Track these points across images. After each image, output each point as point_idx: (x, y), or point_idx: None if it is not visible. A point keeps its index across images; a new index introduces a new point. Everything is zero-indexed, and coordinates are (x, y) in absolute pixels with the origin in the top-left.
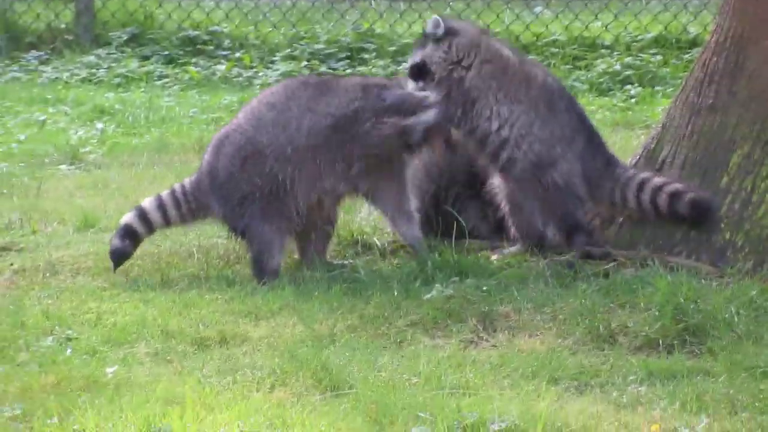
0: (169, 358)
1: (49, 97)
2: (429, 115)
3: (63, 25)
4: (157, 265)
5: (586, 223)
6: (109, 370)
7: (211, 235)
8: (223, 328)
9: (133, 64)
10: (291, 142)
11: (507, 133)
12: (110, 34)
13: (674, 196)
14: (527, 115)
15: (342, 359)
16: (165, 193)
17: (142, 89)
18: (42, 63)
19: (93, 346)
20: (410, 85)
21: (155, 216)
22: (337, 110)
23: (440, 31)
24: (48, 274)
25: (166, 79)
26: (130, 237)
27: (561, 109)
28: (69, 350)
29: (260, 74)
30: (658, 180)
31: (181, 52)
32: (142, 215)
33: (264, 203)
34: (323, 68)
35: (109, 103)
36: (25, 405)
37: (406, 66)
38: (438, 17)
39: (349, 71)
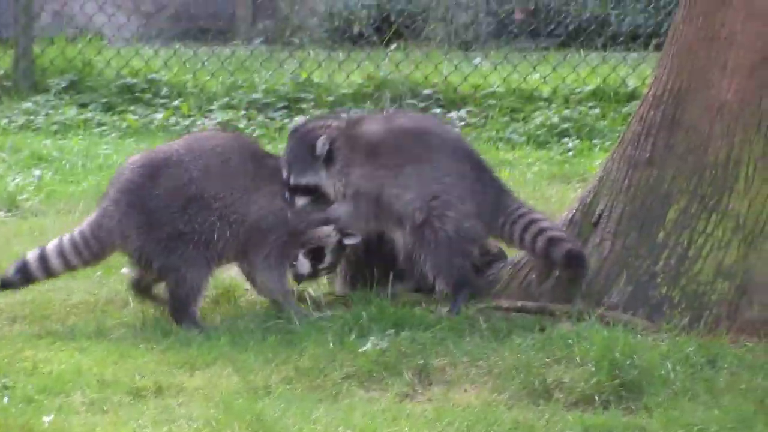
0: (105, 407)
1: None
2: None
3: (1, 71)
4: (92, 313)
5: (473, 276)
6: (45, 419)
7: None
8: (159, 379)
9: (72, 111)
10: (234, 204)
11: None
12: (48, 81)
13: (552, 241)
14: (411, 174)
15: (277, 411)
16: (66, 239)
17: (80, 136)
18: None
19: (29, 395)
20: (300, 202)
21: (55, 262)
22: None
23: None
24: None
25: (104, 127)
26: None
27: (446, 152)
28: (5, 398)
29: (198, 122)
30: (544, 224)
31: (119, 100)
32: (43, 258)
33: (200, 249)
34: (260, 117)
35: (46, 150)
36: None
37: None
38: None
39: (286, 121)
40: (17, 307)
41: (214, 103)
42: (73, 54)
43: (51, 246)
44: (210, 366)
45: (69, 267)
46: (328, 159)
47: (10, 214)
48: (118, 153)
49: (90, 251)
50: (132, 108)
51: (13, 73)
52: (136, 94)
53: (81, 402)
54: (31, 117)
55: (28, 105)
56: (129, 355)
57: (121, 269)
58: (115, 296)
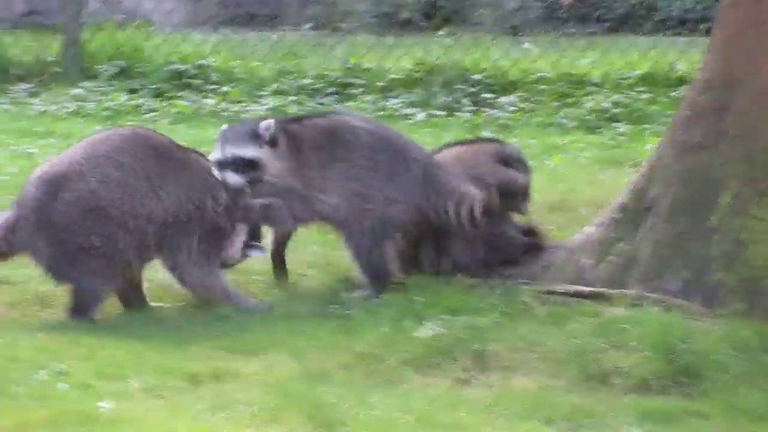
0: (162, 393)
1: (39, 129)
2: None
3: (50, 58)
4: (150, 299)
5: (390, 266)
6: (102, 404)
7: None
8: (216, 364)
9: (122, 97)
10: (134, 208)
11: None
12: (97, 67)
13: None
14: (332, 174)
15: (334, 397)
16: None
17: (131, 122)
18: (31, 95)
19: (87, 381)
20: (231, 178)
21: None
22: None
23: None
24: (40, 308)
25: (155, 113)
26: None
27: (360, 147)
28: (62, 384)
29: (248, 108)
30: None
31: (169, 86)
32: None
33: (103, 260)
34: (311, 103)
35: None
36: None
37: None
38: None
39: (337, 106)
40: None
41: (264, 88)
42: (122, 40)
43: None
44: (267, 351)
45: None
46: (272, 142)
47: None
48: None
49: None
50: (182, 94)
51: (62, 59)
52: (186, 80)
53: (138, 388)
54: (81, 103)
55: (77, 91)
56: (186, 341)
57: None
58: (171, 285)
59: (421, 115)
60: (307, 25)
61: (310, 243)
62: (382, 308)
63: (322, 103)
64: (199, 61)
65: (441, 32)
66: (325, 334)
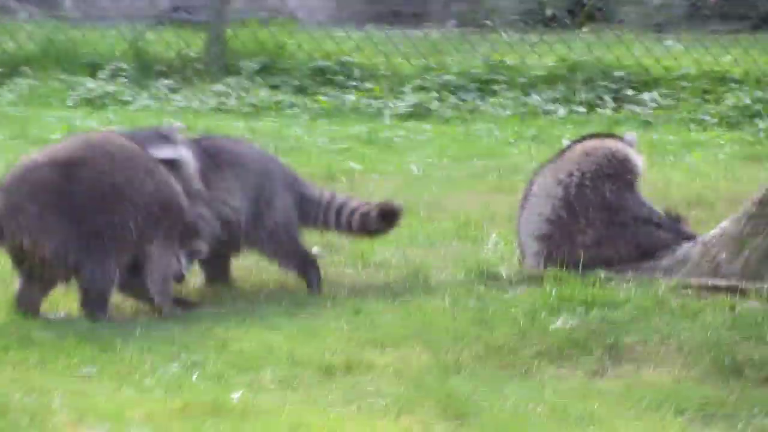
0: (294, 385)
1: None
2: None
3: (193, 54)
4: (283, 291)
5: (310, 254)
6: (234, 395)
7: (338, 264)
8: (349, 356)
9: (263, 93)
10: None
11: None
12: (240, 63)
13: (364, 215)
14: (233, 183)
15: (468, 388)
16: None
17: (272, 118)
18: (172, 91)
19: (219, 372)
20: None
21: None
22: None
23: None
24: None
25: (296, 109)
26: None
27: (250, 163)
28: (194, 375)
29: (390, 104)
30: (353, 203)
31: (311, 82)
32: None
33: (114, 245)
34: (452, 99)
35: (238, 132)
36: (150, 429)
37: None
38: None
39: (479, 103)
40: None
41: (406, 85)
42: (266, 37)
43: None
44: (400, 343)
45: None
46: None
47: None
48: (310, 135)
49: None
50: (324, 90)
51: (205, 55)
52: (329, 77)
53: (270, 379)
54: (223, 99)
55: (219, 87)
56: (319, 332)
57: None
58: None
59: (562, 112)
60: (451, 23)
61: (449, 238)
62: (518, 301)
63: (464, 100)
64: (342, 58)
65: (584, 29)
66: (459, 325)
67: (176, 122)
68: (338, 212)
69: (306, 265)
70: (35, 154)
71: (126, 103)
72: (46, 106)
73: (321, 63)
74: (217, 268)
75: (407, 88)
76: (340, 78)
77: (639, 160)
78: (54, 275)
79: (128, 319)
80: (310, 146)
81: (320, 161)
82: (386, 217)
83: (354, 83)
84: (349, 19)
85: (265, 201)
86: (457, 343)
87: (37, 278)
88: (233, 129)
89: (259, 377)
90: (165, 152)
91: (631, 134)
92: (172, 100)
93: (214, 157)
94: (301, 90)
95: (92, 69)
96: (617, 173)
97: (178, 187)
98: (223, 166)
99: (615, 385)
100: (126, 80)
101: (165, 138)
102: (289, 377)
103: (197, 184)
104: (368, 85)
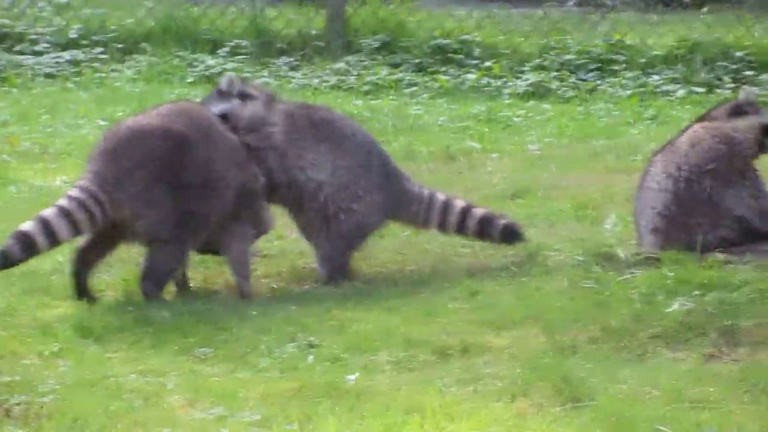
0: (410, 366)
1: None
2: None
3: (313, 32)
4: (399, 273)
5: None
6: (350, 377)
7: (455, 244)
8: (465, 338)
9: (383, 71)
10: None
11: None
12: (361, 41)
13: (485, 221)
14: (327, 159)
15: (583, 371)
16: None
17: (391, 97)
18: (292, 69)
19: (335, 353)
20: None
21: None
22: None
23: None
24: (293, 281)
25: (415, 87)
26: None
27: (353, 144)
28: (311, 357)
29: (509, 84)
30: (459, 202)
31: (431, 61)
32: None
33: (200, 227)
34: (572, 79)
35: (357, 110)
36: (265, 410)
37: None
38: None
39: (598, 83)
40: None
41: (526, 64)
42: (386, 15)
43: (50, 213)
44: (517, 325)
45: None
46: (243, 95)
47: None
48: (429, 113)
49: (100, 218)
50: (444, 69)
51: (325, 33)
52: (449, 55)
53: (387, 361)
54: (343, 77)
55: (339, 65)
56: (436, 314)
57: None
58: (423, 257)
59: (681, 92)
60: (571, 2)
61: (568, 219)
62: (635, 284)
63: (583, 80)
64: (462, 36)
65: (704, 10)
66: (576, 308)
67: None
68: (443, 212)
69: (337, 273)
70: (141, 119)
71: (246, 80)
72: (166, 83)
73: (441, 41)
74: None
75: (527, 67)
76: (460, 56)
77: (749, 132)
78: (129, 241)
79: (243, 300)
80: (429, 125)
81: (439, 140)
82: (507, 237)
83: (474, 62)
84: None
85: (354, 193)
86: (573, 325)
87: (106, 240)
88: (352, 107)
89: (375, 359)
90: (218, 107)
91: (749, 89)
92: (292, 78)
93: (316, 126)
94: (421, 68)
95: (212, 46)
96: (723, 165)
97: (255, 169)
98: (321, 139)
99: (731, 368)
100: (246, 57)
101: (221, 94)
102: (405, 359)
103: (250, 138)
104: (488, 64)
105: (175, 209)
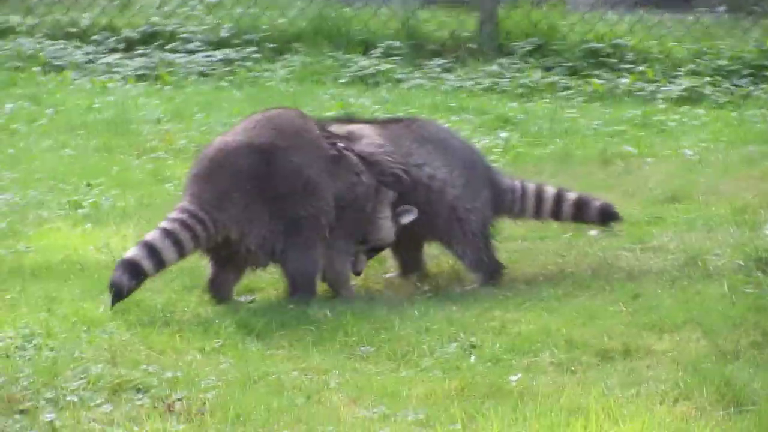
0: (572, 368)
1: (453, 104)
2: None
3: (466, 34)
4: (561, 275)
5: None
6: (512, 378)
7: (616, 247)
8: (627, 341)
9: (536, 74)
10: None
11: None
12: (513, 44)
13: (580, 204)
14: (444, 164)
15: (745, 376)
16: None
17: (546, 100)
18: (445, 71)
19: (496, 354)
20: None
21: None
22: None
23: None
24: (454, 281)
25: (570, 91)
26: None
27: (457, 144)
28: (472, 357)
29: (663, 88)
30: (550, 188)
31: (584, 64)
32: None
33: (312, 233)
34: (725, 84)
35: (512, 113)
36: (428, 410)
37: None
38: None
39: (751, 89)
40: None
41: (679, 69)
42: (538, 18)
43: (153, 236)
44: (679, 329)
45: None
46: None
47: None
48: (585, 117)
49: (204, 237)
50: (597, 72)
51: (478, 36)
52: (601, 59)
53: (549, 362)
54: (496, 80)
55: (493, 68)
56: (597, 316)
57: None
58: (583, 259)
59: None
60: (722, 8)
61: (726, 223)
62: None
63: (737, 85)
64: (615, 40)
65: None
66: (737, 312)
67: None
68: (537, 200)
69: (492, 272)
70: (226, 138)
71: (399, 81)
72: (319, 84)
73: (593, 45)
74: (409, 258)
75: (680, 72)
76: (613, 60)
77: None
78: (254, 263)
79: (405, 300)
80: (584, 129)
81: (594, 144)
82: (604, 218)
83: (627, 66)
84: (618, 2)
85: (474, 191)
86: (734, 329)
87: (231, 265)
88: (507, 110)
89: (536, 360)
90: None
91: None
92: (445, 80)
93: (420, 132)
94: (574, 72)
95: (364, 47)
96: None
97: (355, 179)
98: (428, 141)
99: None
100: (399, 59)
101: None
102: (567, 360)
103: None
104: (641, 68)
105: (281, 219)
